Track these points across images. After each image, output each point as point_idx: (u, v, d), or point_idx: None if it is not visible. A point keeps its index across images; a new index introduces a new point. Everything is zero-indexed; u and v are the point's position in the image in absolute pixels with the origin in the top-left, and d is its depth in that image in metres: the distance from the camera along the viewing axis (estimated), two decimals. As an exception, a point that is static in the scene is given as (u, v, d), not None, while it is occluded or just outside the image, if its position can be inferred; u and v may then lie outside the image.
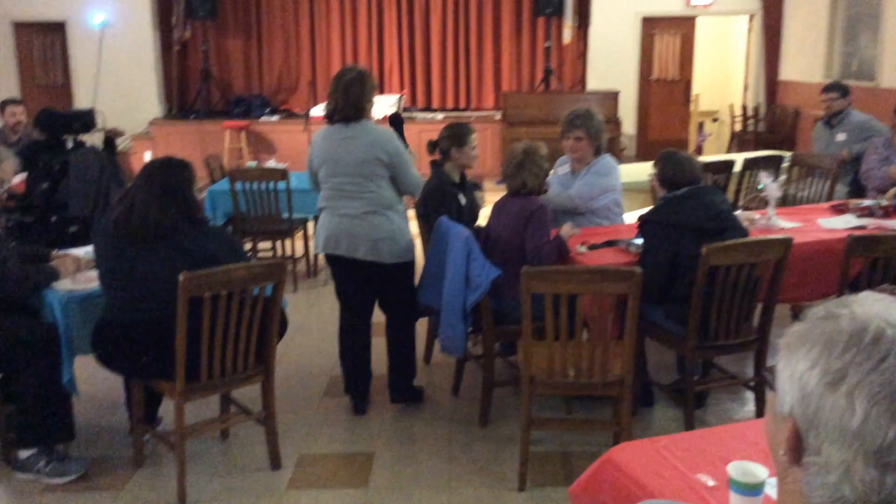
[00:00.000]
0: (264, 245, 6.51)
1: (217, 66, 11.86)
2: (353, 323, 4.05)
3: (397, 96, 11.24)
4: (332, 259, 3.99)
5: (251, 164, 7.71)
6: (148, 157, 10.60)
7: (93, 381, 4.10)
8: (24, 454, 3.34)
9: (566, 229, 3.96)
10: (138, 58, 11.35)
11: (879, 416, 0.90)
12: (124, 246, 3.15)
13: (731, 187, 5.87)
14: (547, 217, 3.90)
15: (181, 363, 3.07)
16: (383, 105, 11.22)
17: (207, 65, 11.54)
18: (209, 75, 11.55)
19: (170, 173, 3.25)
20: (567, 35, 11.51)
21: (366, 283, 3.97)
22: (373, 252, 3.83)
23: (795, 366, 0.97)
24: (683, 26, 11.90)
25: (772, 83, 11.63)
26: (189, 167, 3.31)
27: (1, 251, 3.34)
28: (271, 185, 5.84)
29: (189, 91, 11.90)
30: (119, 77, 11.24)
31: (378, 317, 4.12)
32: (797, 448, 0.98)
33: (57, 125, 5.16)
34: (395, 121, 4.29)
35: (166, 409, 3.70)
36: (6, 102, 7.21)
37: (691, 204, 3.60)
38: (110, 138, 5.62)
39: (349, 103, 3.80)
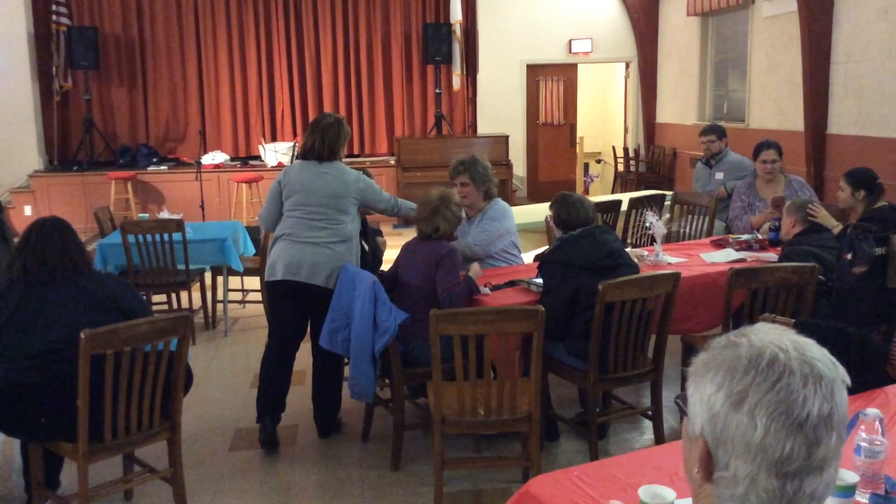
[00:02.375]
0: (158, 298, 6.35)
1: (100, 115, 11.53)
2: (281, 349, 4.18)
3: (291, 143, 11.25)
4: (281, 286, 4.08)
5: (143, 215, 7.52)
6: (28, 211, 10.20)
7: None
8: None
9: (475, 269, 4.06)
10: (16, 109, 10.88)
11: (777, 430, 1.02)
12: (21, 297, 3.08)
13: (619, 226, 6.16)
14: (457, 260, 4.00)
15: (84, 424, 2.97)
16: (277, 152, 11.21)
17: (90, 115, 11.21)
18: (92, 125, 11.21)
19: (53, 232, 3.24)
20: (456, 82, 11.85)
21: (308, 311, 4.15)
22: (331, 279, 4.04)
23: (703, 390, 1.09)
24: (566, 73, 12.45)
25: (650, 126, 12.28)
26: (67, 224, 3.33)
27: None
28: (166, 236, 5.73)
29: (71, 142, 11.48)
30: (-5, 129, 10.77)
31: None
32: (708, 465, 1.09)
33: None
34: None
35: (66, 471, 3.56)
36: None
37: (586, 243, 3.78)
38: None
39: (325, 145, 4.14)
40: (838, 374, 1.07)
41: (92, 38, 10.93)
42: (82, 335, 2.88)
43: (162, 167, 11.07)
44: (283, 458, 4.04)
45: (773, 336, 1.09)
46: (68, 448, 3.08)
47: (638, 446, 4.08)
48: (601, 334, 3.60)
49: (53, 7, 10.86)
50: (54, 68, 10.99)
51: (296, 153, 11.05)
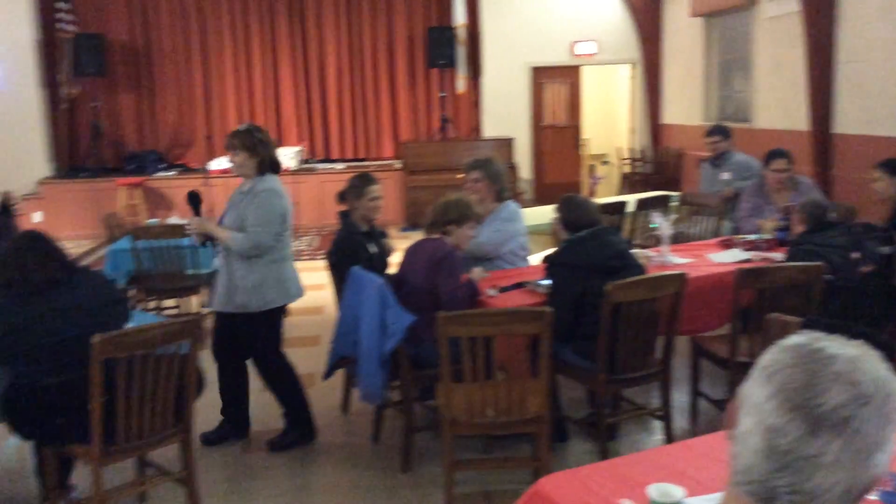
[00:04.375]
0: (169, 302, 6.39)
1: (108, 122, 11.60)
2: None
3: (297, 148, 11.30)
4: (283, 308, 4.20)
5: (152, 221, 7.57)
6: (38, 217, 10.26)
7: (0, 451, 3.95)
8: (-74, 534, 3.18)
9: (477, 272, 4.08)
10: (23, 116, 10.94)
11: (782, 402, 1.03)
12: (19, 308, 3.09)
13: (626, 227, 6.18)
14: (457, 262, 4.02)
15: (98, 427, 3.00)
16: (285, 157, 11.25)
17: (98, 122, 11.29)
18: (100, 132, 11.29)
19: (31, 238, 3.28)
20: (461, 85, 11.87)
21: None
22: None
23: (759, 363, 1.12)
24: (570, 75, 12.46)
25: (655, 127, 12.29)
26: (42, 235, 3.34)
27: None
28: (174, 241, 5.77)
29: (79, 149, 11.56)
30: (3, 137, 10.81)
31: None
32: (733, 421, 1.11)
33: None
34: (194, 199, 4.25)
35: (80, 474, 3.60)
36: None
37: (593, 245, 3.80)
38: (5, 203, 5.45)
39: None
40: (882, 396, 1.03)
41: (98, 46, 11.01)
42: (94, 339, 2.91)
43: (170, 173, 11.13)
44: (294, 461, 4.06)
45: (854, 344, 1.08)
46: (82, 451, 3.11)
47: (648, 447, 4.09)
48: (609, 335, 3.62)
49: (59, 15, 10.94)
50: (61, 76, 11.06)
51: (302, 157, 11.12)
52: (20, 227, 5.21)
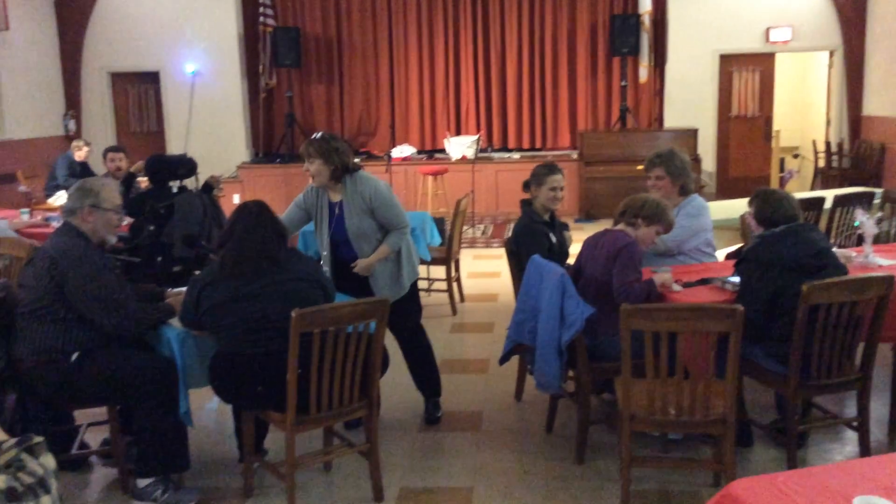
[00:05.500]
0: (352, 284, 6.67)
1: (301, 111, 12.30)
2: None
3: (475, 137, 11.46)
4: None
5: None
6: (237, 199, 11.03)
7: (202, 413, 4.28)
8: (141, 483, 3.50)
9: (665, 277, 3.92)
10: (227, 105, 11.87)
11: None
12: (237, 283, 3.34)
13: (822, 224, 5.79)
14: (636, 254, 3.91)
15: (293, 395, 3.20)
16: (461, 145, 11.45)
17: (292, 110, 11.98)
18: (293, 120, 11.98)
19: (270, 213, 3.50)
20: (643, 74, 11.58)
21: None
22: None
23: None
24: (762, 63, 11.82)
25: (855, 119, 11.43)
26: (266, 212, 3.51)
27: (121, 290, 3.54)
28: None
29: (274, 136, 12.36)
30: (209, 123, 11.78)
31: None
32: None
33: (163, 171, 5.45)
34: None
35: (271, 440, 3.85)
36: (108, 150, 7.67)
37: (790, 241, 3.59)
38: (209, 184, 5.87)
39: None
40: None
41: (294, 38, 11.67)
42: (293, 314, 3.10)
43: (355, 160, 11.58)
44: (467, 443, 4.14)
45: None
46: (278, 418, 3.33)
47: (839, 458, 3.84)
48: (804, 338, 3.42)
49: (261, 10, 11.69)
50: (261, 67, 11.83)
51: (479, 147, 11.27)
52: (221, 207, 5.61)
